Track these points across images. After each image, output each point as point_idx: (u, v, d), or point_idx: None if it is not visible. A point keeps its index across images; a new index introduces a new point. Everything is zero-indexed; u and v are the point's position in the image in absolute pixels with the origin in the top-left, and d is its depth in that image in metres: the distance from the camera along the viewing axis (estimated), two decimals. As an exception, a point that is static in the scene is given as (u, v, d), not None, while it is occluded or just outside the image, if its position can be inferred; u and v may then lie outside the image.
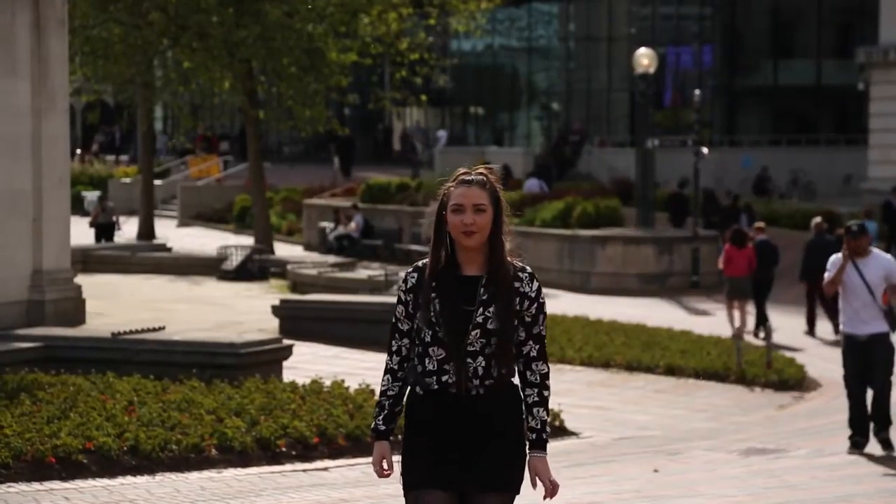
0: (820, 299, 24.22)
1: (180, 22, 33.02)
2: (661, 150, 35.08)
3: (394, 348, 5.67)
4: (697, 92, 35.98)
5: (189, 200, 47.61)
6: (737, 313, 24.39)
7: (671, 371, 19.68)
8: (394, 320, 5.64)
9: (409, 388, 5.64)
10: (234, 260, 29.90)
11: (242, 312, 23.31)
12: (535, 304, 5.51)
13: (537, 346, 5.54)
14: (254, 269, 29.66)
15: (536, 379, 5.54)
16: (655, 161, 35.12)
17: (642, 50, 34.09)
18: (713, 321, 26.09)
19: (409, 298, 5.53)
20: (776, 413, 17.69)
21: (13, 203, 18.12)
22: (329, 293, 23.63)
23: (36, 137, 18.46)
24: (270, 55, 32.46)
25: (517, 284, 5.47)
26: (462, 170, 5.54)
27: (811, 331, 25.09)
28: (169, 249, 33.40)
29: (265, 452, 12.62)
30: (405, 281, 5.55)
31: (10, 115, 18.24)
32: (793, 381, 19.35)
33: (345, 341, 20.31)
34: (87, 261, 29.10)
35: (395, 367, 5.67)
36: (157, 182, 46.80)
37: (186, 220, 46.72)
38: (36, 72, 18.57)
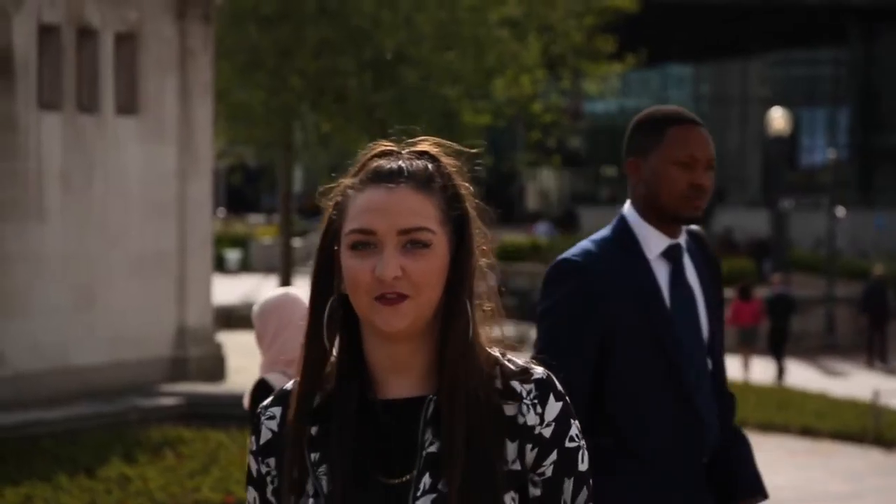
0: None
1: (319, 86, 33.73)
2: (794, 211, 34.81)
3: None
4: (832, 152, 35.72)
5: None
6: (742, 360, 25.64)
7: (806, 432, 19.46)
8: None
9: None
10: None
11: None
12: (554, 452, 2.42)
13: None
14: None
15: None
16: (789, 221, 34.89)
17: (776, 110, 33.98)
18: (849, 383, 25.76)
19: (265, 469, 2.48)
20: (914, 476, 17.43)
21: (159, 263, 18.68)
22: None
23: (181, 200, 19.03)
24: (406, 118, 32.97)
25: (508, 410, 2.42)
26: (380, 145, 2.53)
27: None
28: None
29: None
30: (255, 430, 2.51)
31: (158, 179, 18.85)
32: (933, 443, 19.05)
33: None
34: (229, 318, 29.71)
35: None
36: (296, 241, 47.60)
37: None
38: (182, 137, 19.18)
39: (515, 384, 2.42)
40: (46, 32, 18.80)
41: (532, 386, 2.41)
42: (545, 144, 38.08)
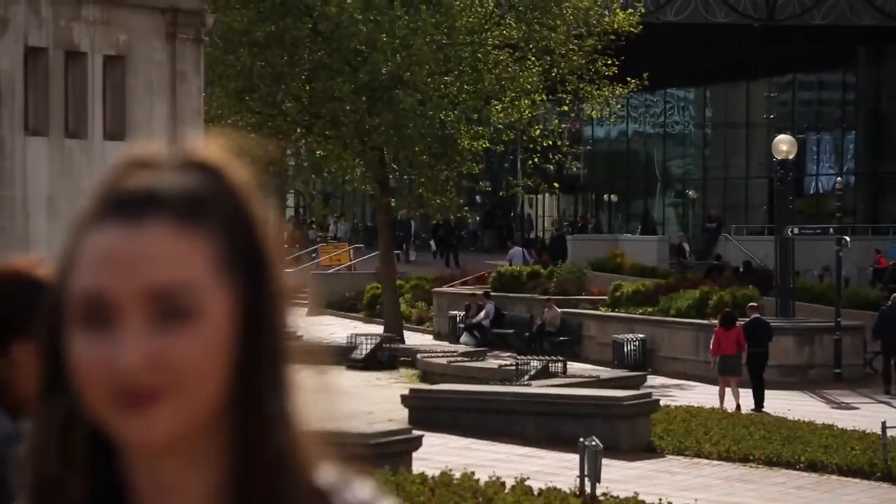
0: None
1: (314, 111, 33.33)
2: (800, 239, 34.33)
3: None
4: (839, 179, 35.27)
5: (320, 289, 47.84)
6: (728, 389, 25.52)
7: (813, 466, 19.00)
8: None
9: None
10: (364, 349, 29.81)
11: (372, 402, 23.10)
12: None
13: None
14: (383, 357, 29.54)
15: None
16: (795, 249, 34.36)
17: (782, 136, 33.54)
18: (857, 415, 25.24)
19: None
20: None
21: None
22: (459, 383, 23.33)
23: (169, 226, 18.55)
24: (402, 143, 32.58)
25: None
26: (130, 154, 1.48)
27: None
28: (299, 338, 33.41)
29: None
30: None
31: (144, 204, 18.37)
32: (943, 479, 18.52)
33: (475, 432, 19.95)
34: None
35: None
36: (288, 270, 47.11)
37: (317, 308, 46.88)
38: (171, 161, 18.72)
39: None
40: (33, 55, 18.38)
41: None
42: (544, 169, 37.70)
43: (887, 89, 52.11)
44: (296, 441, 1.50)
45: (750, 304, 28.66)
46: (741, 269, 40.17)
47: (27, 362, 2.53)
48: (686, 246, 47.75)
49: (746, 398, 25.88)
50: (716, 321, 31.49)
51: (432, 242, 54.89)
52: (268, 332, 1.50)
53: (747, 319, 27.02)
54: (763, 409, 25.51)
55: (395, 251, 51.41)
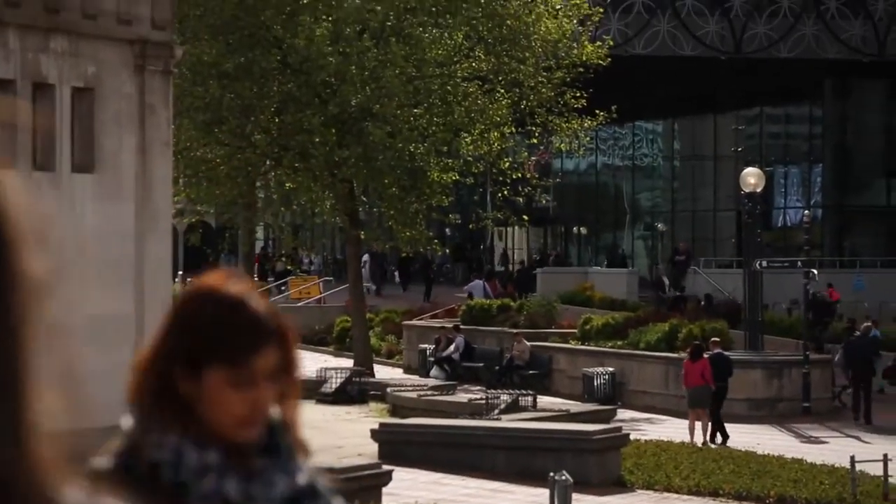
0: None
1: (283, 143, 33.25)
2: (769, 272, 34.39)
3: None
4: (806, 212, 35.37)
5: (289, 322, 47.57)
6: (698, 423, 25.80)
7: (783, 501, 19.02)
8: None
9: None
10: (334, 382, 29.67)
11: (341, 436, 22.97)
12: None
13: None
14: (353, 391, 29.40)
15: None
16: (763, 282, 34.42)
17: (749, 169, 33.63)
18: (826, 449, 25.24)
19: None
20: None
21: (117, 328, 18.05)
22: (429, 417, 23.23)
23: (139, 261, 18.44)
24: (372, 175, 32.52)
25: None
26: None
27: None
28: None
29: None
30: None
31: (115, 238, 18.26)
32: (913, 513, 18.52)
33: (445, 466, 19.85)
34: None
35: None
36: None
37: (287, 340, 46.66)
38: (140, 194, 18.61)
39: None
40: (0, 87, 18.25)
41: None
42: (514, 201, 37.70)
43: (853, 123, 52.41)
44: (28, 460, 1.33)
45: (713, 338, 28.86)
46: (702, 302, 40.26)
47: (219, 389, 2.37)
48: (665, 279, 47.60)
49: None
50: (685, 354, 31.57)
51: (397, 274, 54.82)
52: None
53: (710, 353, 27.26)
54: (727, 443, 25.57)
55: (374, 284, 51.38)
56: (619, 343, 33.90)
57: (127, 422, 2.51)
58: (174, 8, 22.42)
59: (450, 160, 33.83)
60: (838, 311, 39.17)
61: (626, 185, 60.17)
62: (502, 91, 34.18)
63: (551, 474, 15.57)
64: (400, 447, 20.34)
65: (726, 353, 28.68)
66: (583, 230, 63.13)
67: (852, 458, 22.61)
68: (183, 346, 2.41)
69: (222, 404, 2.34)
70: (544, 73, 34.78)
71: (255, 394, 2.38)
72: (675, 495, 19.19)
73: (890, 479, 19.92)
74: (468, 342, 36.81)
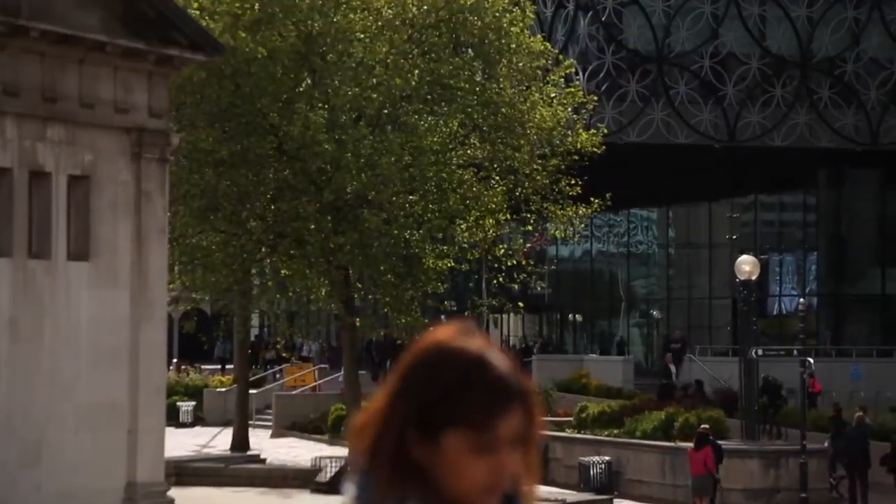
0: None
1: (278, 230, 33.25)
2: (765, 360, 34.27)
3: None
4: (801, 300, 35.34)
5: (284, 410, 47.30)
6: None
7: None
8: None
9: None
10: (329, 471, 29.39)
11: (337, 526, 22.71)
12: None
13: None
14: (349, 480, 29.11)
15: None
16: (759, 370, 34.30)
17: (744, 257, 33.63)
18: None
19: None
20: None
21: (111, 415, 17.95)
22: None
23: (134, 348, 18.38)
24: (367, 262, 32.49)
25: None
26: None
27: None
28: (263, 461, 33.04)
29: None
30: None
31: (110, 326, 18.20)
32: None
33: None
34: (180, 473, 28.73)
35: None
36: (252, 391, 46.66)
37: (281, 429, 46.34)
38: (136, 282, 18.57)
39: None
40: (-3, 175, 18.24)
41: None
42: (509, 288, 37.64)
43: (847, 211, 52.55)
44: None
45: (702, 426, 29.20)
46: (687, 391, 39.96)
47: (460, 455, 2.15)
48: (672, 367, 47.04)
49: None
50: (682, 443, 31.42)
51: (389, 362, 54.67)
52: None
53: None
54: None
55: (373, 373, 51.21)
56: (616, 431, 33.70)
57: (352, 491, 2.31)
58: (171, 96, 22.51)
59: (445, 247, 33.82)
60: (820, 401, 39.10)
61: (622, 273, 60.18)
62: (497, 178, 34.26)
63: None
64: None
65: (718, 441, 28.82)
66: (578, 317, 63.02)
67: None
68: (417, 407, 2.21)
69: (463, 471, 2.18)
70: (539, 161, 34.87)
71: (499, 460, 2.22)
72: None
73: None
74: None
